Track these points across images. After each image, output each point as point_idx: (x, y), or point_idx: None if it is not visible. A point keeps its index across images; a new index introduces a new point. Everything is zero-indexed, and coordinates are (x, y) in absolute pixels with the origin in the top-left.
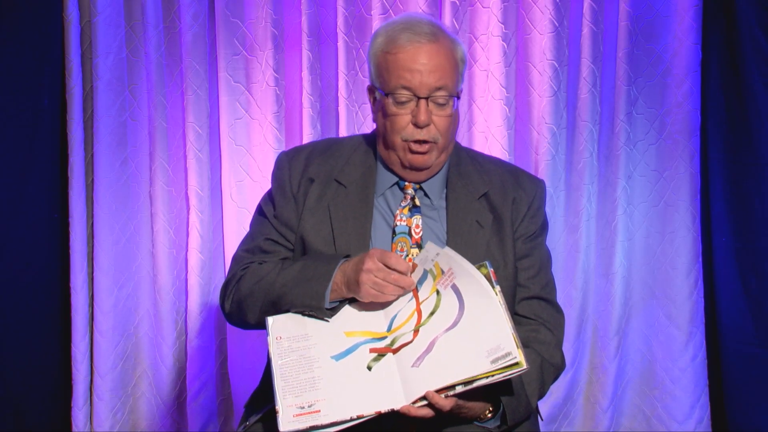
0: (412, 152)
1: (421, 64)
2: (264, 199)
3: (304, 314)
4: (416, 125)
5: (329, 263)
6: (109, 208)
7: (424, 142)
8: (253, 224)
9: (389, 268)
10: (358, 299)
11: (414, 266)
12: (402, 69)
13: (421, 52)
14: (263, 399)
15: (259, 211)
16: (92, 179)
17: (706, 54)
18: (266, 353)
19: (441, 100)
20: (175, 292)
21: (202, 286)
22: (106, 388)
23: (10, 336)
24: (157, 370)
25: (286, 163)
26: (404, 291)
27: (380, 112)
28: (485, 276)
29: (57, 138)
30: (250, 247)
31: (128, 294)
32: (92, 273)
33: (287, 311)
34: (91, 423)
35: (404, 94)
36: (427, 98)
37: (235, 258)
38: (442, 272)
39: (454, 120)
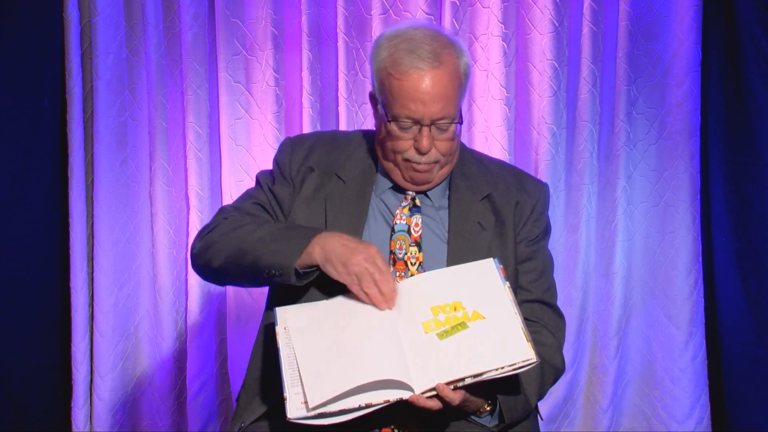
0: (414, 170)
1: (424, 93)
2: (263, 172)
3: (271, 277)
4: (418, 151)
5: (311, 230)
6: (109, 208)
7: (426, 163)
8: (248, 190)
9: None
10: (330, 275)
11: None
12: (405, 98)
13: (425, 80)
14: (257, 396)
15: (256, 181)
16: (92, 179)
17: (706, 54)
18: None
19: (443, 127)
20: (175, 292)
21: (202, 286)
22: (106, 388)
23: (10, 336)
24: (157, 370)
25: (288, 148)
26: (379, 300)
27: (382, 124)
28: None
29: (57, 138)
30: (239, 206)
31: (128, 294)
32: (92, 273)
33: (253, 264)
34: (91, 423)
35: (407, 123)
36: (429, 126)
37: (221, 210)
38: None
39: (456, 141)
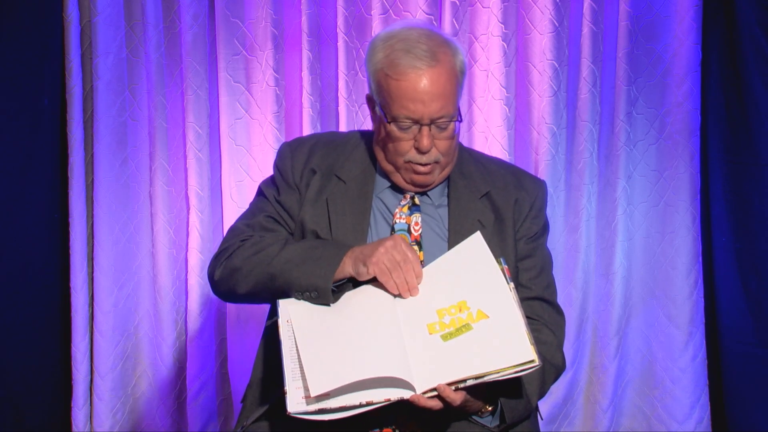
0: (416, 173)
1: (423, 93)
2: (266, 182)
3: (307, 299)
4: (419, 150)
5: (338, 246)
6: (109, 208)
7: (427, 163)
8: (254, 202)
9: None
10: (361, 277)
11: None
12: (404, 98)
13: (423, 79)
14: (259, 396)
15: (260, 192)
16: (92, 179)
17: (706, 54)
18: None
19: (443, 125)
20: (175, 292)
21: (202, 286)
22: (106, 388)
23: (10, 336)
24: (157, 370)
25: (288, 153)
26: (405, 288)
27: (381, 126)
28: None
29: (57, 138)
30: (250, 223)
31: (128, 294)
32: (92, 273)
33: (285, 288)
34: (91, 423)
35: (407, 123)
36: (429, 125)
37: (232, 229)
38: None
39: (455, 140)
